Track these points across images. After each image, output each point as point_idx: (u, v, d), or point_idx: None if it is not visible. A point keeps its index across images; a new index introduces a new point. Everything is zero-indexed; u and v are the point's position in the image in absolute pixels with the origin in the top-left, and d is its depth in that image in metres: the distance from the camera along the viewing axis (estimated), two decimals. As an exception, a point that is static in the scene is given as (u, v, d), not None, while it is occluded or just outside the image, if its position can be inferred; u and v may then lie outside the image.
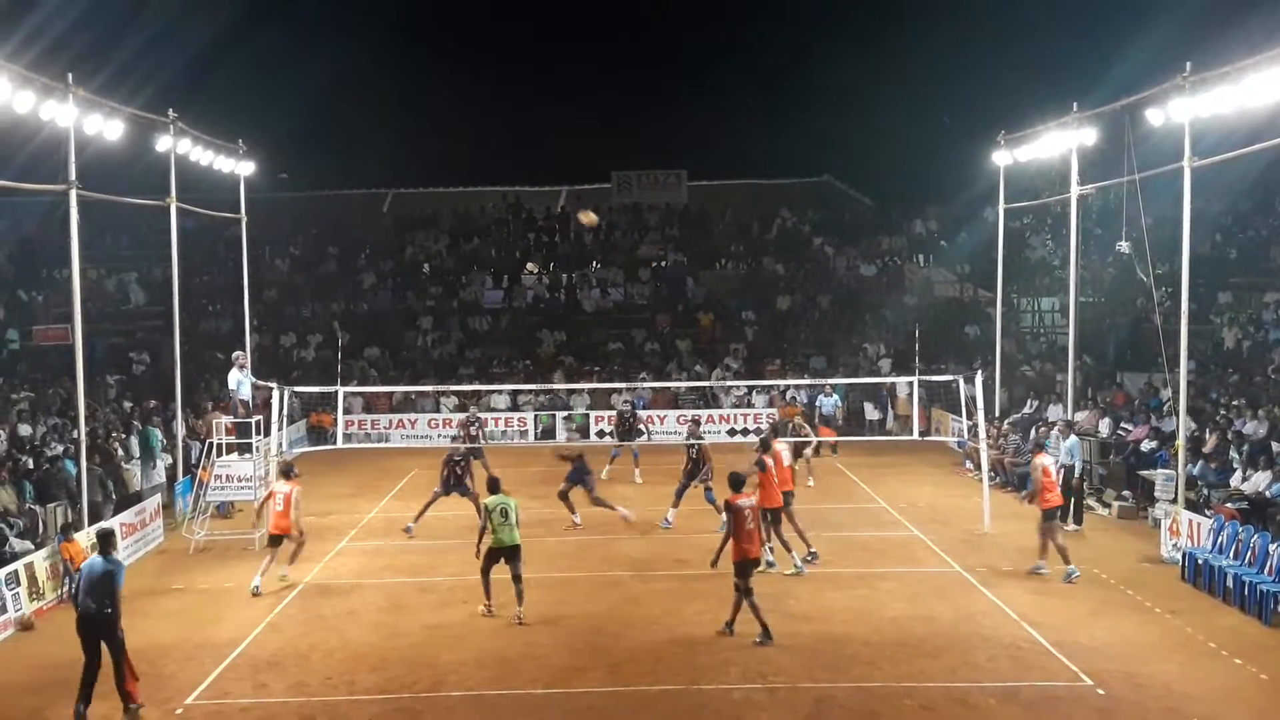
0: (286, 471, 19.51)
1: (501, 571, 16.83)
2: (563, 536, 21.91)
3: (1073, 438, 23.23)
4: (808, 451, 26.05)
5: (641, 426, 28.74)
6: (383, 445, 33.78)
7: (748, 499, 16.37)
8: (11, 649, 16.01)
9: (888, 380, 32.90)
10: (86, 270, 27.24)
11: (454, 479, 22.27)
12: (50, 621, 16.95)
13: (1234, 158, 20.15)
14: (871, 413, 34.91)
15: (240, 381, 24.13)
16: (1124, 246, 23.92)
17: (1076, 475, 22.70)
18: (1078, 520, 22.52)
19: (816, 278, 44.53)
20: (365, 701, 13.71)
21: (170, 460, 26.39)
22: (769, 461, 18.86)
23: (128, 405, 30.22)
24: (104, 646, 13.23)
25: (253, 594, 18.14)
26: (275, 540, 18.82)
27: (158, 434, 26.58)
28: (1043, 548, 19.07)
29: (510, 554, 16.78)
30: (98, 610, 13.17)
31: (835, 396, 32.36)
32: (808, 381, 34.27)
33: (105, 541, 13.84)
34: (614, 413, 31.77)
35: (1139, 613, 16.88)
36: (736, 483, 16.47)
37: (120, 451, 25.51)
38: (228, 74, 43.96)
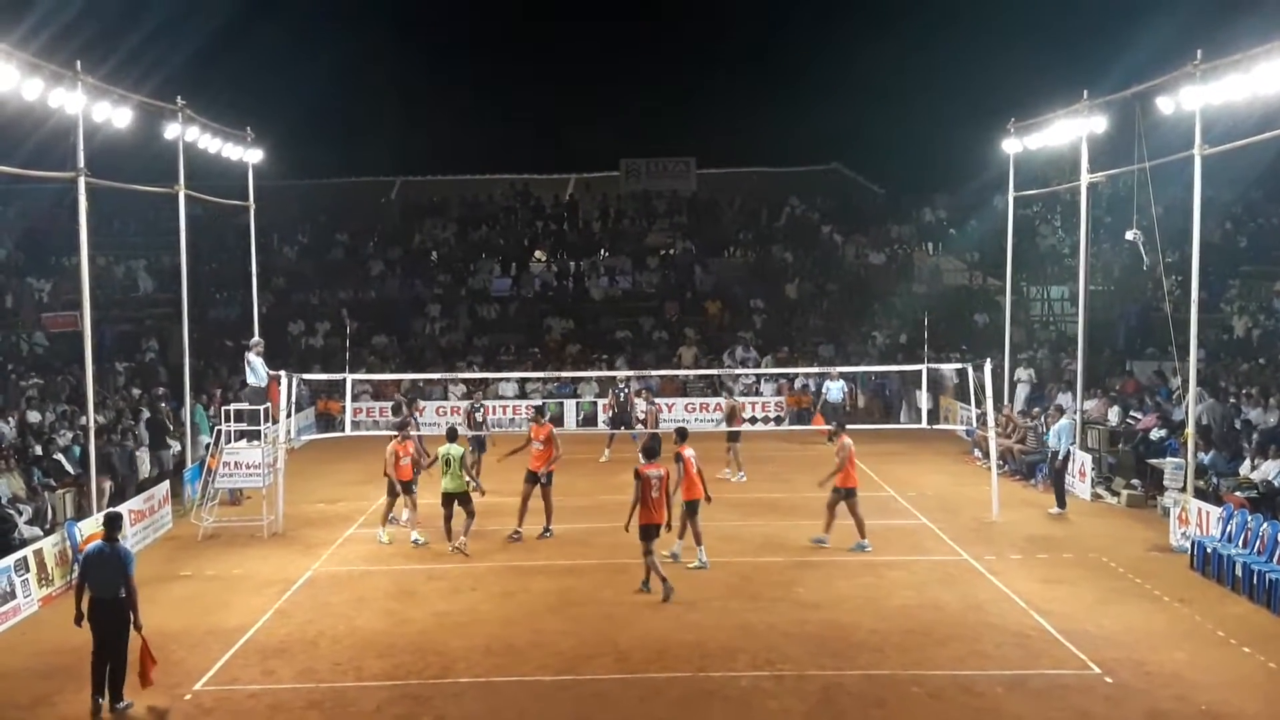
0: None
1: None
2: (570, 524, 21.86)
3: (1063, 420, 23.38)
4: (738, 445, 26.67)
5: (639, 414, 29.01)
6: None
7: (656, 470, 17.47)
8: (20, 635, 16.06)
9: (946, 367, 31.57)
10: (95, 257, 27.26)
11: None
12: (57, 609, 16.98)
13: (1244, 146, 20.06)
14: (924, 401, 34.11)
15: (256, 368, 24.31)
16: (1134, 235, 23.83)
17: (1060, 458, 22.91)
18: (1060, 504, 22.72)
19: (825, 266, 44.46)
20: (373, 688, 13.74)
21: (180, 446, 26.45)
22: (684, 454, 18.84)
23: (136, 392, 30.27)
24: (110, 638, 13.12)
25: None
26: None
27: (204, 411, 26.73)
28: (829, 521, 19.99)
29: (458, 499, 19.84)
30: (112, 598, 13.08)
31: (841, 382, 32.26)
32: (815, 370, 34.12)
33: (112, 526, 13.72)
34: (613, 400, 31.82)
35: (1148, 601, 16.87)
36: (648, 453, 17.79)
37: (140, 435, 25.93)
38: (236, 61, 43.89)
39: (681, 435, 19.35)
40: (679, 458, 18.67)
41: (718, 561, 19.03)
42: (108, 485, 22.30)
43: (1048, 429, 26.47)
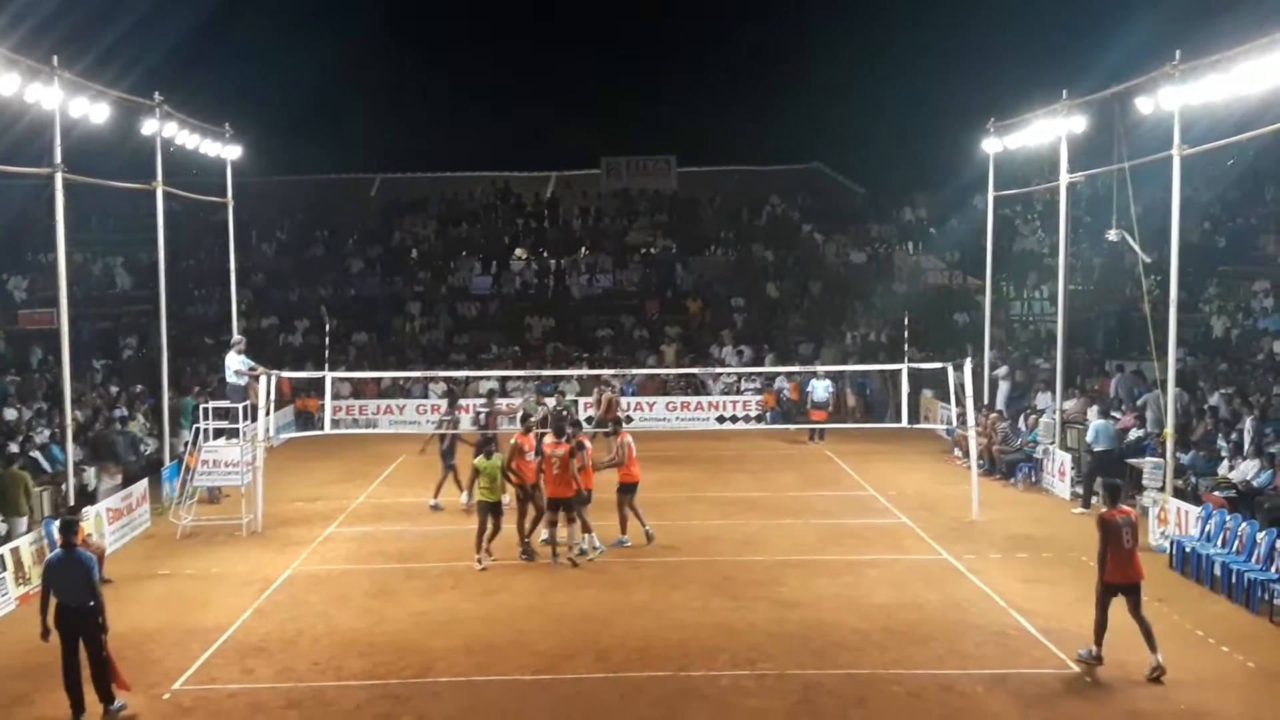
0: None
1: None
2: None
3: (1099, 421, 23.52)
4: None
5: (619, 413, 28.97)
6: (371, 431, 33.73)
7: (559, 449, 18.91)
8: (-3, 634, 15.96)
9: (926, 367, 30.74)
10: (72, 254, 27.11)
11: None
12: (34, 608, 16.77)
13: (1223, 146, 20.13)
14: (905, 398, 33.29)
15: (234, 366, 24.22)
16: (1113, 235, 23.92)
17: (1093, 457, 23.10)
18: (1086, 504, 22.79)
19: (806, 265, 44.53)
20: (353, 687, 13.68)
21: (157, 444, 26.35)
22: (586, 445, 20.04)
23: (114, 390, 30.11)
24: (82, 643, 12.79)
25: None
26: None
27: (193, 404, 26.69)
28: (623, 520, 20.14)
29: (491, 509, 19.18)
30: (79, 605, 12.76)
31: (827, 381, 32.32)
32: (799, 369, 34.14)
33: (68, 532, 13.22)
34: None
35: (1127, 600, 16.90)
36: (557, 429, 19.40)
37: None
38: (215, 57, 43.85)
39: (576, 426, 20.81)
40: (581, 446, 19.50)
41: (699, 560, 19.06)
42: (119, 473, 23.52)
43: (1029, 430, 26.66)
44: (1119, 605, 14.05)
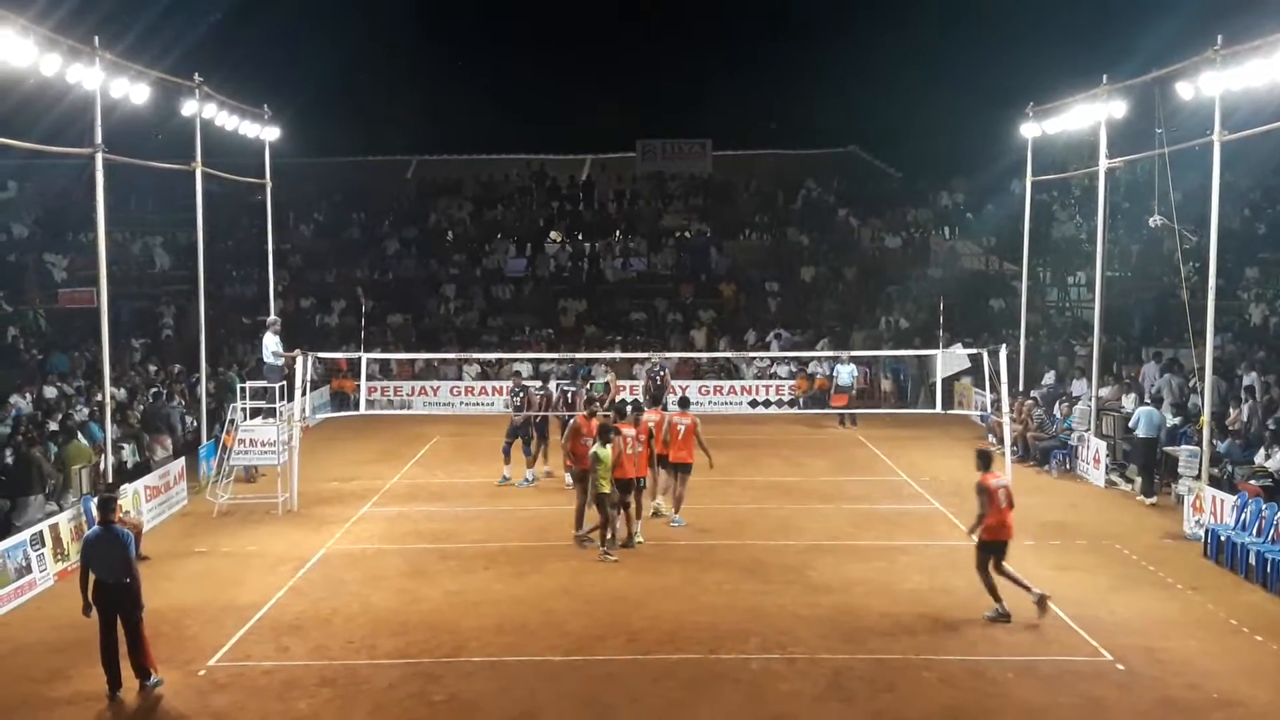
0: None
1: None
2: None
3: (1144, 408, 23.32)
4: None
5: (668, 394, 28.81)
6: (405, 412, 33.92)
7: (628, 429, 19.06)
8: (36, 609, 16.15)
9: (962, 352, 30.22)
10: (111, 233, 27.32)
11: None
12: (72, 584, 17.03)
13: (1264, 132, 19.91)
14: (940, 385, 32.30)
15: (272, 347, 24.46)
16: (1154, 221, 23.71)
17: (1142, 444, 22.91)
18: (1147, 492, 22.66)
19: (841, 249, 44.40)
20: (386, 666, 13.79)
21: (195, 423, 26.59)
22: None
23: (152, 368, 30.39)
24: (119, 620, 12.95)
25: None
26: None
27: (237, 380, 27.02)
28: (677, 501, 20.42)
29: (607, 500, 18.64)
30: (116, 582, 12.93)
31: (852, 366, 32.21)
32: (828, 354, 34.05)
33: (106, 509, 13.35)
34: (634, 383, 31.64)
35: (1160, 589, 16.83)
36: (618, 413, 19.71)
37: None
38: (253, 39, 43.86)
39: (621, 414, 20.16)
40: (618, 431, 19.26)
41: (731, 544, 19.08)
42: (168, 443, 24.59)
43: (1064, 416, 26.51)
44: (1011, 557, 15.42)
